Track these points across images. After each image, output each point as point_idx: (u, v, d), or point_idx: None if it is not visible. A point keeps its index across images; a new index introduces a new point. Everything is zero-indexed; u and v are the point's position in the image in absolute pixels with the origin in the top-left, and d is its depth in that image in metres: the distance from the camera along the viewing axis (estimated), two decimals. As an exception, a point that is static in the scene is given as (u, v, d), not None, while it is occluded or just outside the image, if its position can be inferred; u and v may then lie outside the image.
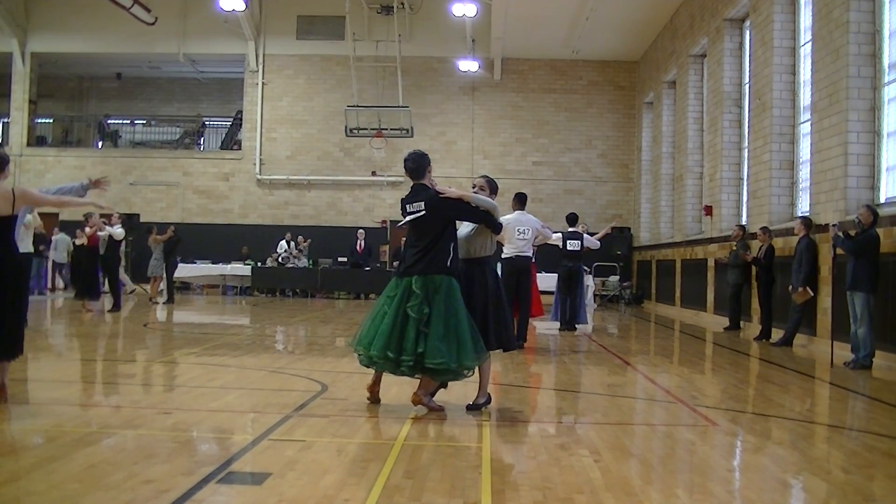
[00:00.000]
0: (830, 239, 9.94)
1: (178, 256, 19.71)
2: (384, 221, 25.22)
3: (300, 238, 23.98)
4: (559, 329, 13.73)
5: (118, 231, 15.87)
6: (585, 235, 13.91)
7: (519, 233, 10.81)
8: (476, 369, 6.32)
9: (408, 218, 6.31)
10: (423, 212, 6.18)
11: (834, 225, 10.02)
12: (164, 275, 18.62)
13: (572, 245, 13.54)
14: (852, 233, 9.76)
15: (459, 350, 5.96)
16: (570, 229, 13.75)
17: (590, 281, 20.01)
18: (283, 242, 23.74)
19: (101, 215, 16.49)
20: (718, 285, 16.49)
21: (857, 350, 9.53)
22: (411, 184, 6.45)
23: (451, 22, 23.22)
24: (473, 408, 6.31)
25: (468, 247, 6.46)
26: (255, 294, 23.22)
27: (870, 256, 9.39)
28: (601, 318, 17.92)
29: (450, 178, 23.73)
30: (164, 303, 18.44)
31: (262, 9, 25.58)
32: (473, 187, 6.65)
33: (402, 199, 6.46)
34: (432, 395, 6.37)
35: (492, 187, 6.67)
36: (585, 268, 15.61)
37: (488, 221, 6.37)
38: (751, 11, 15.42)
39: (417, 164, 6.38)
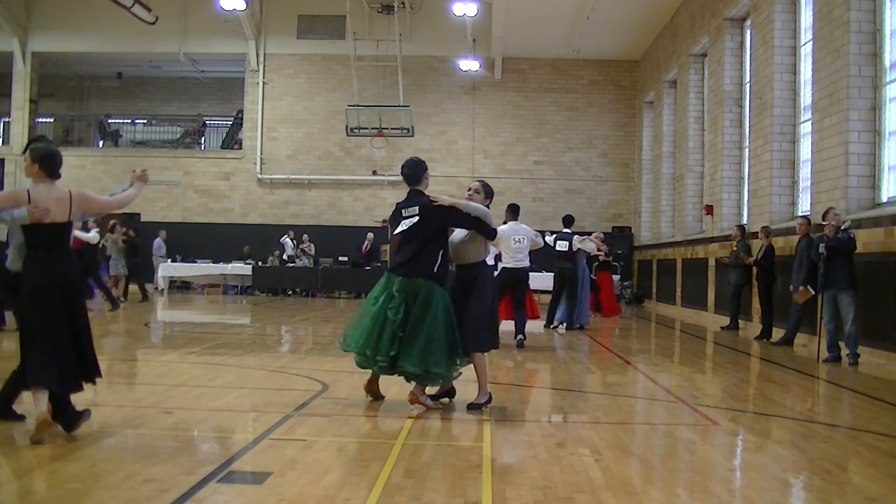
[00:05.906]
0: (816, 240, 10.09)
1: (138, 258, 19.08)
2: (385, 221, 25.19)
3: (305, 237, 24.00)
4: (545, 327, 13.84)
5: (91, 236, 15.79)
6: (576, 237, 13.99)
7: (515, 242, 10.88)
8: (471, 367, 6.37)
9: (399, 228, 6.38)
10: (417, 217, 6.26)
11: (823, 224, 10.16)
12: (126, 275, 18.16)
13: (560, 245, 13.76)
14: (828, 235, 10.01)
15: (428, 357, 6.00)
16: (564, 230, 13.88)
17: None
18: (289, 240, 23.74)
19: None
20: (719, 285, 16.48)
21: (833, 348, 9.94)
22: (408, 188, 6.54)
23: (451, 21, 23.22)
24: (474, 407, 6.32)
25: (462, 252, 6.51)
26: (255, 293, 23.21)
27: (852, 257, 9.83)
28: (602, 318, 17.88)
29: (450, 178, 23.81)
30: (139, 301, 18.36)
31: (262, 8, 25.58)
32: (469, 190, 6.70)
33: (398, 204, 6.54)
34: (436, 398, 6.40)
35: (486, 191, 6.72)
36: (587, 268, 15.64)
37: (480, 228, 6.39)
38: (751, 11, 15.41)
39: (413, 171, 6.50)
